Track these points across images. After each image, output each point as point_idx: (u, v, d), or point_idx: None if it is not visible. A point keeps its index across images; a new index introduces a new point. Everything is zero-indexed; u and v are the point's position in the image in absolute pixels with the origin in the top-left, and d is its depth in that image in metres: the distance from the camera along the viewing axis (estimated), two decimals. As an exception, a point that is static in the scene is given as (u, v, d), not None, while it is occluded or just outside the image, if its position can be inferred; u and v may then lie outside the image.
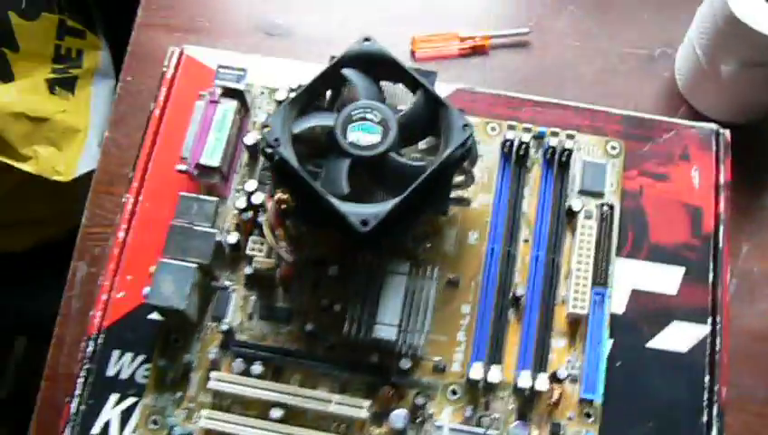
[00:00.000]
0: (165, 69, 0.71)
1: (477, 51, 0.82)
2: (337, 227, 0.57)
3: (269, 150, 0.58)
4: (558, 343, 0.63)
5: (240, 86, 0.66)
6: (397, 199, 0.56)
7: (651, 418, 0.62)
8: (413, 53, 0.81)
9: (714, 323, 0.64)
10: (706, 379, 0.63)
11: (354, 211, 0.55)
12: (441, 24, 0.83)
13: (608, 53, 0.83)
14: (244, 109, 0.68)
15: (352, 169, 0.57)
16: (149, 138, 0.69)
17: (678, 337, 0.64)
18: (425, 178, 0.56)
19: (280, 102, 0.67)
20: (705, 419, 0.62)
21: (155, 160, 0.68)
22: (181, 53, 0.72)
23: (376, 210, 0.55)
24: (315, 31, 0.84)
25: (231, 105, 0.66)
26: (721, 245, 0.66)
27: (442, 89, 0.68)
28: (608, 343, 0.63)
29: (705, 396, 0.63)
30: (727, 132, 0.70)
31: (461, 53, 0.82)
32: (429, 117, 0.60)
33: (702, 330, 0.64)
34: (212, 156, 0.64)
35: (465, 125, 0.58)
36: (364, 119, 0.58)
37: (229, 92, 0.66)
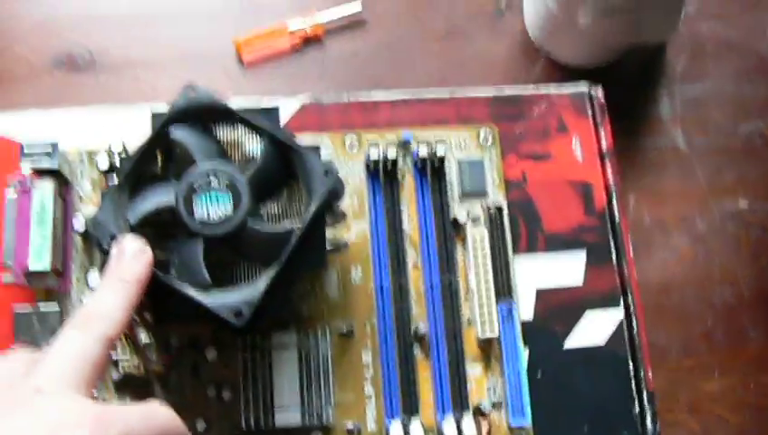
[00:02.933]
0: (-45, 151, 0.59)
1: (311, 41, 0.73)
2: (206, 319, 0.49)
3: (106, 247, 0.48)
4: (474, 370, 0.58)
5: (53, 164, 0.55)
6: (267, 276, 0.48)
7: (585, 422, 0.58)
8: (240, 56, 0.72)
9: (626, 305, 0.60)
10: (630, 367, 0.59)
11: (223, 303, 0.47)
12: (265, 15, 0.73)
13: (450, 18, 0.76)
14: (65, 185, 0.57)
15: (208, 249, 0.49)
16: (-42, 241, 0.57)
17: (594, 329, 0.60)
18: (295, 242, 0.49)
19: (104, 172, 0.57)
20: (637, 409, 0.59)
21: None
22: (-28, 128, 0.60)
23: (248, 295, 0.48)
24: (123, 55, 0.72)
25: (48, 188, 0.55)
26: (617, 218, 0.62)
27: (285, 109, 0.60)
28: (524, 356, 0.58)
29: (633, 384, 0.59)
30: (599, 90, 0.64)
31: (294, 47, 0.73)
32: (282, 164, 0.52)
33: (616, 315, 0.60)
34: (40, 258, 0.53)
35: (327, 171, 0.50)
36: (209, 187, 0.49)
37: (42, 173, 0.56)
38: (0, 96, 0.69)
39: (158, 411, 0.39)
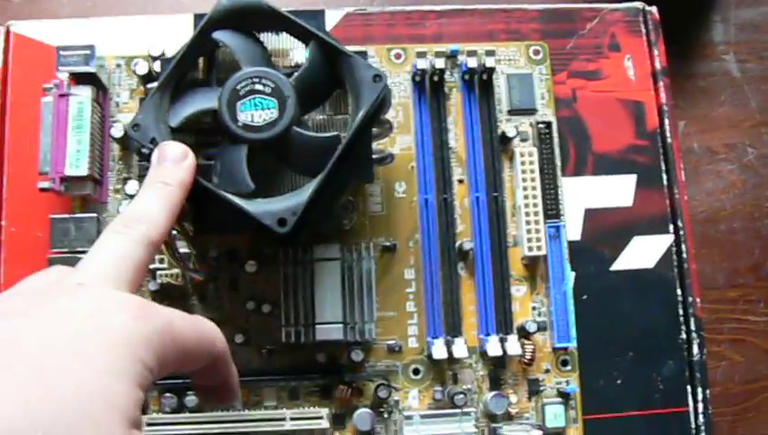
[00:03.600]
0: (-8, 56, 0.58)
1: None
2: (247, 229, 0.48)
3: (146, 151, 0.47)
4: (518, 290, 0.56)
5: (91, 68, 0.54)
6: (313, 184, 0.46)
7: (630, 348, 0.57)
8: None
9: (676, 230, 0.58)
10: (678, 292, 0.58)
11: (267, 210, 0.46)
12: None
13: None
14: (102, 91, 0.56)
15: (251, 156, 0.47)
16: (-5, 148, 0.56)
17: (642, 252, 0.58)
18: (341, 150, 0.47)
19: (142, 77, 0.55)
20: (684, 335, 0.57)
21: (9, 175, 0.56)
22: (8, 33, 0.58)
23: (292, 203, 0.46)
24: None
25: (85, 93, 0.54)
26: (669, 140, 0.59)
27: (329, 18, 0.58)
28: (571, 278, 0.57)
29: (681, 311, 0.58)
30: (654, 10, 0.62)
31: (337, -42, 0.70)
32: (329, 71, 0.49)
33: (665, 240, 0.58)
34: (77, 163, 0.52)
35: (376, 75, 0.48)
36: (254, 92, 0.47)
37: (79, 78, 0.54)
38: (33, 7, 0.67)
39: (204, 322, 0.38)
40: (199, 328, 0.38)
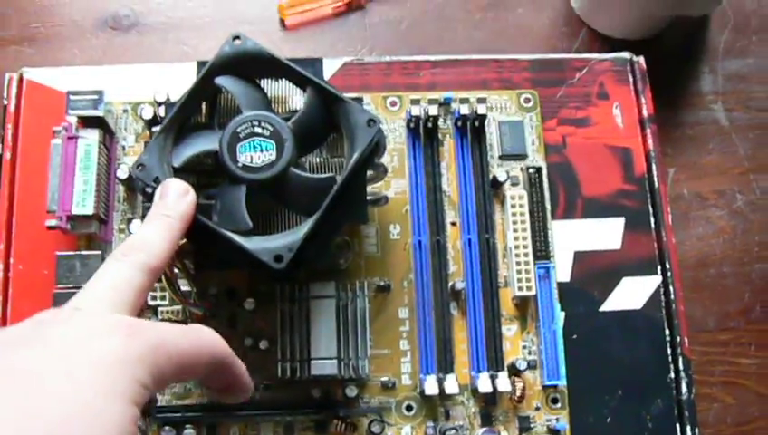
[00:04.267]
0: (5, 102, 0.60)
1: (353, 6, 0.73)
2: (246, 265, 0.50)
3: (150, 190, 0.49)
4: (509, 329, 0.58)
5: (99, 112, 0.56)
6: (309, 223, 0.48)
7: (619, 386, 0.58)
8: (282, 21, 0.72)
9: (664, 272, 0.60)
10: (666, 332, 0.59)
11: (264, 247, 0.48)
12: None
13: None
14: (109, 135, 0.58)
15: (250, 196, 0.49)
16: (5, 188, 0.58)
17: (631, 294, 0.60)
18: (336, 190, 0.49)
19: (148, 122, 0.58)
20: (672, 374, 0.58)
21: (18, 214, 0.58)
22: (21, 79, 0.61)
23: (288, 241, 0.48)
24: (167, 16, 0.73)
25: (93, 137, 0.56)
26: (657, 184, 0.61)
27: (327, 67, 0.60)
28: (560, 318, 0.58)
29: (669, 351, 0.59)
30: (641, 60, 0.64)
31: (335, 11, 0.73)
32: (326, 115, 0.52)
33: (653, 281, 0.60)
34: (84, 203, 0.54)
35: (371, 120, 0.50)
36: (253, 134, 0.50)
37: (87, 121, 0.57)
38: (47, 56, 0.70)
39: (201, 330, 0.40)
40: (195, 338, 0.39)
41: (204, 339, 0.39)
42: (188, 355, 0.37)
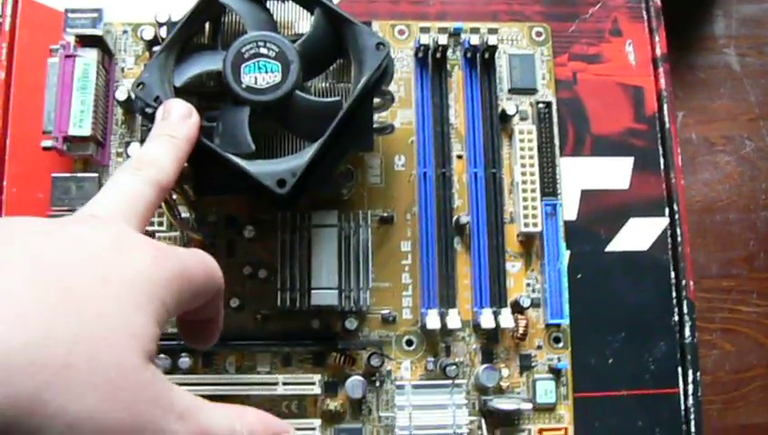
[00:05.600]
0: (0, 20, 0.58)
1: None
2: (247, 191, 0.49)
3: (150, 111, 0.47)
4: (513, 266, 0.57)
5: (98, 31, 0.54)
6: (314, 148, 0.47)
7: (622, 328, 0.57)
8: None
9: (672, 214, 0.59)
10: (672, 275, 0.58)
11: (267, 171, 0.46)
12: None
13: None
14: (108, 56, 0.56)
15: (253, 118, 0.48)
16: (-1, 109, 0.57)
17: (637, 234, 0.59)
18: (342, 115, 0.47)
19: (149, 43, 0.56)
20: (676, 317, 0.58)
21: (12, 136, 0.56)
22: (16, -3, 0.59)
23: (292, 165, 0.46)
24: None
25: (91, 56, 0.54)
26: (667, 125, 0.60)
27: (334, -7, 0.58)
28: (566, 257, 0.57)
29: (674, 294, 0.58)
30: (657, -4, 0.63)
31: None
32: (334, 39, 0.50)
33: (661, 223, 0.59)
34: (81, 123, 0.53)
35: (380, 44, 0.48)
36: (258, 55, 0.48)
37: (86, 40, 0.55)
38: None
39: (206, 256, 0.39)
40: (207, 265, 0.38)
41: (212, 266, 0.38)
42: (203, 283, 0.37)
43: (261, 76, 0.47)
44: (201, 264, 0.37)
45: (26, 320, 0.28)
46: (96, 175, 0.54)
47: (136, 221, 0.37)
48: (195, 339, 0.43)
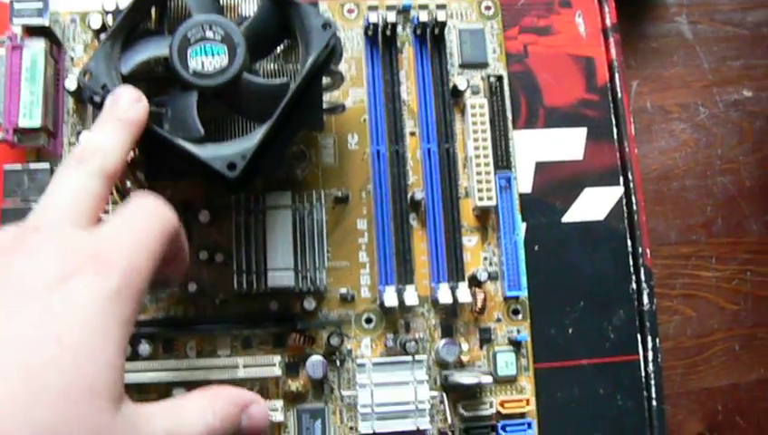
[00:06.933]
0: (-56, 11, 0.58)
1: None
2: (198, 175, 0.48)
3: (98, 99, 0.47)
4: (470, 241, 0.57)
5: (44, 21, 0.54)
6: (262, 129, 0.47)
7: (581, 298, 0.58)
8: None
9: (626, 183, 0.59)
10: (629, 243, 0.59)
11: (217, 155, 0.46)
12: None
13: None
14: (56, 45, 0.56)
15: (202, 102, 0.48)
16: (-53, 101, 0.56)
17: (593, 204, 0.59)
18: (290, 96, 0.47)
19: (97, 31, 0.55)
20: (634, 285, 0.58)
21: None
22: (-39, -12, 0.58)
23: (241, 148, 0.46)
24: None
25: (39, 46, 0.54)
26: (620, 94, 0.60)
27: (282, -26, 0.58)
28: (522, 229, 0.57)
29: (631, 262, 0.59)
30: (605, -34, 0.63)
31: None
32: (280, 20, 0.50)
33: (616, 192, 0.59)
34: (31, 115, 0.52)
35: (325, 24, 0.48)
36: (204, 39, 0.47)
37: (33, 31, 0.54)
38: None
39: (147, 207, 0.38)
40: (152, 226, 0.37)
41: (157, 216, 0.38)
42: (154, 251, 0.37)
43: (207, 60, 0.47)
44: (147, 236, 0.37)
45: None
46: (48, 166, 0.54)
47: (86, 219, 0.37)
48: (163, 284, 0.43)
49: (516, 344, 0.56)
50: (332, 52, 0.51)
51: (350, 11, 0.59)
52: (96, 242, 0.35)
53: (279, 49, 0.52)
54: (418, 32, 0.59)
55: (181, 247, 0.42)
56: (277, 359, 0.53)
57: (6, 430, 0.28)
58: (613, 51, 0.61)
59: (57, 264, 0.33)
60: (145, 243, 0.36)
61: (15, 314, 0.31)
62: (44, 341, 0.31)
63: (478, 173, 0.56)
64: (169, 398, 0.38)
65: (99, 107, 0.46)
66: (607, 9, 0.62)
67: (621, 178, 0.59)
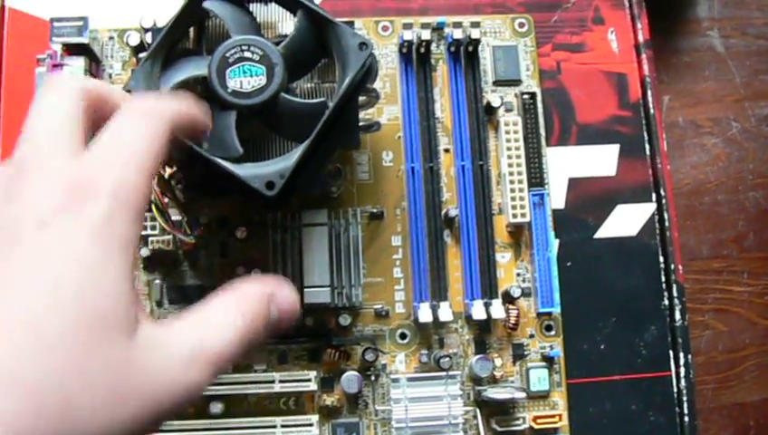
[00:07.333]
0: (-13, 30, 0.59)
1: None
2: (237, 193, 0.49)
3: (138, 117, 0.48)
4: (503, 257, 0.57)
5: (84, 39, 0.55)
6: (300, 148, 0.47)
7: (613, 314, 0.58)
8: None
9: (659, 199, 0.60)
10: (661, 259, 0.59)
11: (255, 174, 0.47)
12: None
13: None
14: (95, 63, 0.57)
15: (240, 122, 0.48)
16: (-10, 119, 0.57)
17: (625, 220, 0.59)
18: (328, 115, 0.48)
19: (135, 48, 0.56)
20: (666, 301, 0.58)
21: (3, 147, 0.57)
22: (2, 7, 0.59)
23: (279, 167, 0.47)
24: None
25: (78, 64, 0.55)
26: (652, 111, 0.61)
27: (317, -8, 0.59)
28: (555, 245, 0.58)
29: (663, 278, 0.59)
30: (638, -17, 0.63)
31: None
32: (317, 40, 0.50)
33: (648, 208, 0.59)
34: (70, 131, 0.53)
35: (362, 44, 0.49)
36: (243, 59, 0.48)
37: (72, 48, 0.55)
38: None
39: (133, 109, 0.36)
40: (145, 127, 0.36)
41: (145, 117, 0.36)
42: (147, 159, 0.35)
43: (246, 80, 0.48)
44: (137, 133, 0.35)
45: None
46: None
47: (73, 145, 0.34)
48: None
49: (549, 360, 0.57)
50: (369, 71, 0.51)
51: (385, 28, 0.60)
52: (82, 168, 0.33)
53: (316, 67, 0.53)
54: (452, 49, 0.59)
55: (196, 121, 0.41)
56: (313, 374, 0.53)
57: (16, 387, 0.28)
58: (646, 67, 0.61)
59: (46, 202, 0.32)
60: (133, 154, 0.34)
61: (10, 264, 0.30)
62: (42, 287, 0.30)
63: (512, 190, 0.57)
64: (193, 306, 0.35)
65: (139, 126, 0.47)
66: (639, 25, 0.62)
67: (654, 195, 0.60)
